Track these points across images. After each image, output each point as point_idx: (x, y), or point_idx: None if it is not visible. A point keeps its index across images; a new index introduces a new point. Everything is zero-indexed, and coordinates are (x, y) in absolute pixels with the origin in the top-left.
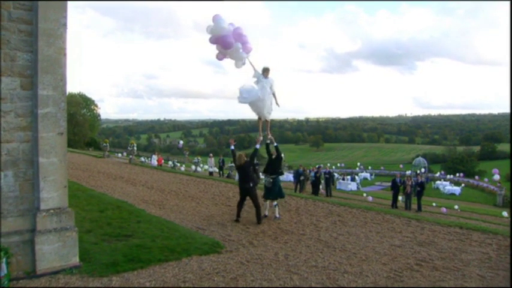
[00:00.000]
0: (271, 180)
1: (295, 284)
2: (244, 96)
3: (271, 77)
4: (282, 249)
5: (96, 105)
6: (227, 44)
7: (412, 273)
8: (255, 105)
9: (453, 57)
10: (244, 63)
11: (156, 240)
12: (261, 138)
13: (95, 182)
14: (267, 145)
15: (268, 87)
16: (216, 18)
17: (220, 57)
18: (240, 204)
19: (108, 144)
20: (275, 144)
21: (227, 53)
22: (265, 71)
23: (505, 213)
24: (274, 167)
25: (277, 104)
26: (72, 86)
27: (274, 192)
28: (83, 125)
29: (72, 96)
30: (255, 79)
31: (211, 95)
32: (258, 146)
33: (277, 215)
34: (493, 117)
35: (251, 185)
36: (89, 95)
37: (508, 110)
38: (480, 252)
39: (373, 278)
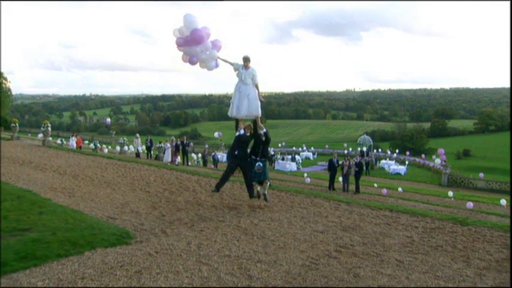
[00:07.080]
0: (261, 164)
1: (203, 275)
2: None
3: (252, 66)
4: (196, 238)
5: (5, 79)
6: (198, 37)
7: (329, 261)
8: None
9: (401, 27)
10: (217, 65)
11: (57, 233)
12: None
13: None
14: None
15: (250, 80)
16: (188, 18)
17: (193, 60)
18: None
19: (17, 124)
20: (264, 130)
21: (197, 54)
22: (246, 61)
23: (451, 193)
24: (264, 149)
25: (260, 98)
26: None
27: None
28: None
29: None
30: (236, 71)
31: (141, 67)
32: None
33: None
34: (444, 92)
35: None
36: None
37: (460, 85)
38: (404, 236)
39: (287, 267)
